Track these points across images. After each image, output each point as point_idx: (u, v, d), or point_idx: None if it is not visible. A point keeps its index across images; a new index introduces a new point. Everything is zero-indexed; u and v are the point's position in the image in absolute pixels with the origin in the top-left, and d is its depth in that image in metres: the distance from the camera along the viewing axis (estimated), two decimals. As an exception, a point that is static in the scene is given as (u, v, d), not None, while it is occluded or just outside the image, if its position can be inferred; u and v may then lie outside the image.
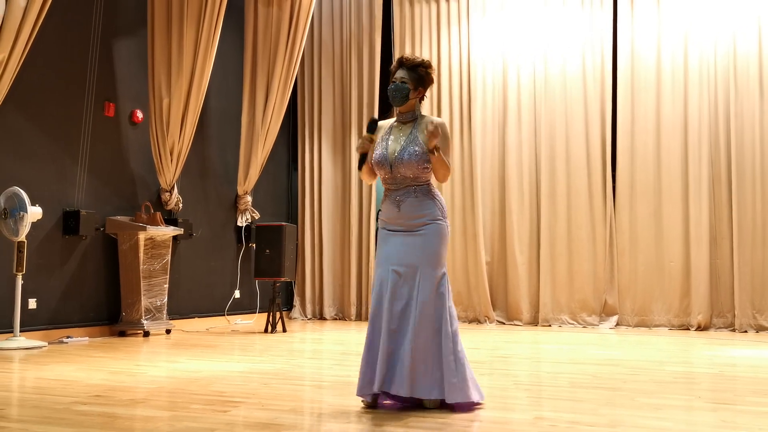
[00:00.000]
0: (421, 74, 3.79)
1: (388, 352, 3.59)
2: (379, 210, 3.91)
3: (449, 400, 3.55)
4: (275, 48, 9.01)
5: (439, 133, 3.62)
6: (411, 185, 3.74)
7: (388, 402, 3.70)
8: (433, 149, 3.64)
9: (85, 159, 7.29)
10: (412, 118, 3.82)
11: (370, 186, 9.39)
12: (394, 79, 3.80)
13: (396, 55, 9.51)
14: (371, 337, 3.68)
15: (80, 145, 7.26)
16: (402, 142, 3.76)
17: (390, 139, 3.81)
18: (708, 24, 8.32)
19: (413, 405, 3.63)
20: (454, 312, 3.73)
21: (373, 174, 3.90)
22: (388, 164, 3.75)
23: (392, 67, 3.87)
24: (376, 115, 3.96)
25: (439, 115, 9.33)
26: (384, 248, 3.76)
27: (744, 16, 8.19)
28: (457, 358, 3.61)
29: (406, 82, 3.77)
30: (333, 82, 9.97)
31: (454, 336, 3.64)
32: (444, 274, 3.71)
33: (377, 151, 3.80)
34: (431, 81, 3.84)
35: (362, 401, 3.69)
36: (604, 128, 8.67)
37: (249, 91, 9.05)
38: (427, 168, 3.74)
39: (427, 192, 3.76)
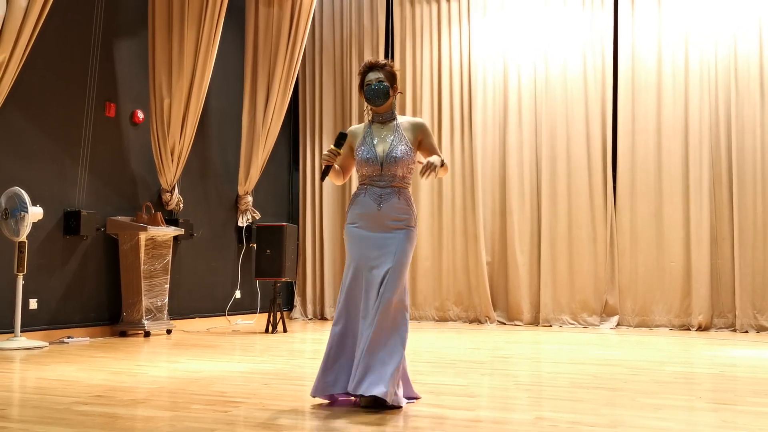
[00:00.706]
0: (390, 72, 3.90)
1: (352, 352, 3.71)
2: (349, 207, 3.92)
3: (367, 393, 3.57)
4: (276, 48, 9.02)
5: (435, 166, 3.68)
6: (397, 185, 3.82)
7: (342, 399, 3.80)
8: (442, 164, 3.73)
9: (86, 159, 7.30)
10: (390, 118, 3.92)
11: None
12: (369, 82, 3.87)
13: (396, 56, 9.51)
14: (342, 337, 3.76)
15: (81, 146, 7.26)
16: (391, 141, 3.83)
17: (374, 139, 3.87)
18: (708, 25, 8.32)
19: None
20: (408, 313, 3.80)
21: (341, 177, 3.97)
22: (379, 162, 3.81)
23: (360, 72, 3.94)
24: (352, 129, 3.99)
25: (439, 115, 9.34)
26: (353, 246, 3.80)
27: (744, 17, 8.19)
28: (401, 363, 3.66)
29: (383, 81, 3.86)
30: (334, 83, 9.97)
31: (403, 342, 3.70)
32: (406, 279, 3.77)
33: (362, 151, 3.85)
34: (397, 78, 3.94)
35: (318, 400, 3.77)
36: (604, 129, 8.67)
37: (250, 91, 9.05)
38: (413, 168, 3.88)
39: (408, 199, 3.85)
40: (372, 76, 3.87)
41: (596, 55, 8.74)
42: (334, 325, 3.83)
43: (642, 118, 8.55)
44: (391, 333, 3.65)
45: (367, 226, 3.80)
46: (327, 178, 3.90)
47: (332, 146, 3.81)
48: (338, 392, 3.73)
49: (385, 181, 3.81)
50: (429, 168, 3.68)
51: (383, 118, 3.91)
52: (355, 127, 4.02)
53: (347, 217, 3.89)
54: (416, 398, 3.82)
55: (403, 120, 3.93)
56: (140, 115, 7.87)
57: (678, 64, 8.44)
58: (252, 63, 9.07)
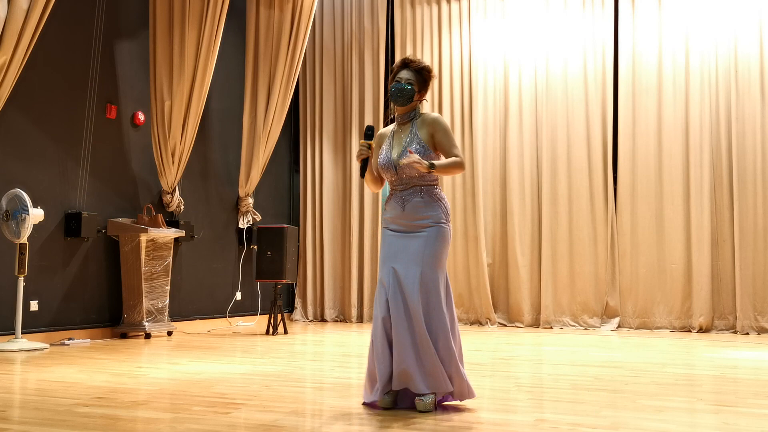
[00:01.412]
0: (425, 78, 3.82)
1: (398, 353, 3.59)
2: (383, 211, 3.91)
3: (454, 394, 3.64)
4: (277, 50, 9.03)
5: (415, 161, 3.60)
6: (418, 185, 3.75)
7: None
8: (428, 168, 3.62)
9: (87, 161, 7.30)
10: (410, 118, 3.84)
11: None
12: (398, 79, 3.79)
13: (398, 57, 9.51)
14: (375, 339, 3.68)
15: (82, 147, 7.27)
16: (403, 143, 3.78)
17: (392, 143, 3.83)
18: (709, 26, 8.32)
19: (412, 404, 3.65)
20: (455, 316, 3.74)
21: (378, 182, 3.93)
22: (393, 167, 3.77)
23: (395, 66, 3.87)
24: (382, 131, 3.94)
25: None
26: (385, 248, 3.77)
27: (745, 18, 8.19)
28: (459, 357, 3.68)
29: (412, 84, 3.78)
30: (334, 84, 9.98)
31: (455, 336, 3.69)
32: (445, 277, 3.73)
33: (381, 156, 3.83)
34: (429, 88, 3.87)
35: (378, 403, 3.68)
36: (605, 130, 8.67)
37: (250, 93, 9.06)
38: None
39: (433, 194, 3.76)
40: (404, 74, 3.79)
41: (597, 56, 8.74)
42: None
43: (642, 119, 8.55)
44: (440, 334, 3.60)
45: (395, 227, 3.76)
46: (366, 183, 3.91)
47: (362, 140, 3.78)
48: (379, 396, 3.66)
49: (404, 184, 3.76)
50: (411, 160, 3.59)
51: (404, 118, 3.85)
52: (385, 129, 3.95)
53: (382, 221, 3.89)
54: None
55: (421, 117, 3.82)
56: (141, 116, 7.88)
57: (678, 66, 8.44)
58: (253, 65, 9.08)
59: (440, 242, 3.70)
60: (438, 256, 3.68)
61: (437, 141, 3.77)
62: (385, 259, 3.73)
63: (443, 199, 3.80)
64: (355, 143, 9.67)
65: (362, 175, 3.83)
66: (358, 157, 3.79)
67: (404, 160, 3.65)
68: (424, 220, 3.71)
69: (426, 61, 9.38)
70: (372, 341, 3.72)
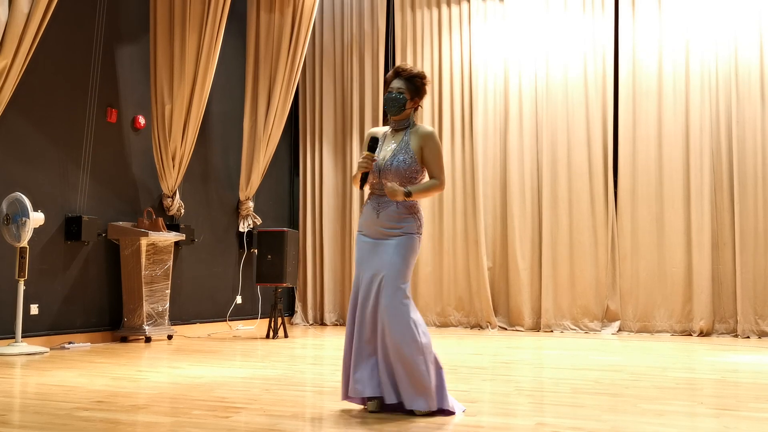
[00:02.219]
0: (417, 85, 3.82)
1: (356, 357, 3.68)
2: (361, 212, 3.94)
3: (408, 407, 3.60)
4: (277, 54, 9.04)
5: (395, 192, 3.65)
6: None
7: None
8: (405, 197, 3.67)
9: (88, 165, 7.31)
10: (405, 126, 3.87)
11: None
12: (390, 89, 3.83)
13: (398, 61, 9.51)
14: (347, 343, 3.77)
15: (83, 151, 7.27)
16: (392, 150, 3.80)
17: (382, 146, 3.86)
18: (709, 30, 8.32)
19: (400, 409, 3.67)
20: (422, 323, 3.69)
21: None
22: (377, 170, 3.78)
23: (388, 76, 3.90)
24: (376, 131, 3.93)
25: (440, 120, 9.34)
26: (357, 254, 3.82)
27: (745, 23, 8.19)
28: (428, 369, 3.60)
29: (403, 93, 3.81)
30: (334, 88, 9.99)
31: (425, 348, 3.62)
32: (408, 289, 3.70)
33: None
34: (425, 93, 3.88)
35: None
36: (605, 134, 8.67)
37: (251, 96, 9.07)
38: (416, 179, 3.79)
39: (410, 206, 3.77)
40: (396, 84, 3.81)
41: (597, 60, 8.74)
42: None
43: (643, 123, 8.55)
44: (400, 339, 3.61)
45: (368, 233, 3.79)
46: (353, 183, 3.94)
47: (366, 151, 3.77)
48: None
49: (383, 190, 3.77)
50: (389, 190, 3.65)
51: (398, 125, 3.87)
52: (378, 129, 3.97)
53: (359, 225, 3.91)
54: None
55: (415, 128, 3.85)
56: (142, 120, 7.88)
57: (678, 70, 8.44)
58: (253, 68, 9.09)
59: (409, 251, 3.72)
60: (406, 263, 3.69)
61: (425, 157, 3.79)
62: (358, 265, 3.79)
63: (419, 212, 3.82)
64: (356, 147, 9.67)
65: (361, 186, 3.84)
66: (360, 168, 3.78)
67: (385, 189, 3.68)
68: (395, 229, 3.73)
69: (426, 64, 9.46)
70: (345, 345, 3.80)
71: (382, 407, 3.68)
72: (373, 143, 3.79)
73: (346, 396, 3.76)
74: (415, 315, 3.66)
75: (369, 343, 3.67)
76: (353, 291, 3.79)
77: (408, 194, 3.67)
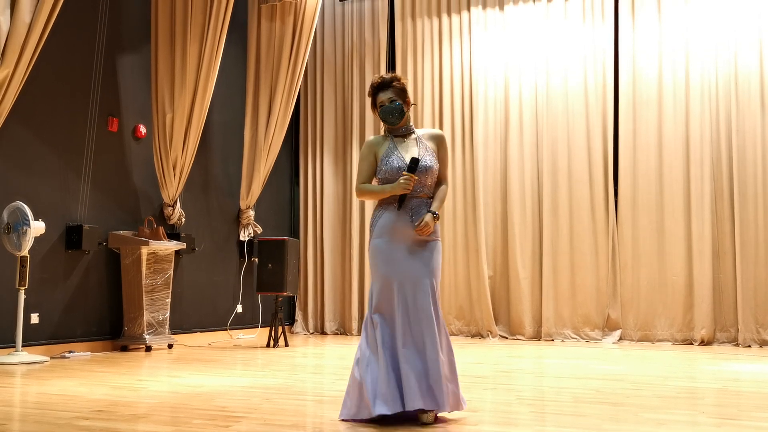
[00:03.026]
0: (399, 88, 3.87)
1: (409, 369, 3.59)
2: (375, 221, 3.85)
3: (450, 410, 3.65)
4: (278, 62, 9.06)
5: (430, 224, 3.73)
6: (425, 196, 3.81)
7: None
8: (435, 219, 3.77)
9: (89, 174, 7.32)
10: (408, 131, 3.92)
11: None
12: (382, 103, 3.85)
13: (398, 70, 9.52)
14: (376, 353, 3.66)
15: (83, 160, 7.28)
16: (418, 152, 3.83)
17: (401, 152, 3.85)
18: (709, 39, 8.34)
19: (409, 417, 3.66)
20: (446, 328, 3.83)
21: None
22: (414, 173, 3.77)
23: (369, 94, 3.92)
24: (375, 141, 3.94)
25: (441, 128, 9.35)
26: (386, 261, 3.73)
27: (745, 31, 8.20)
28: (454, 369, 3.75)
29: (395, 100, 3.84)
30: (335, 97, 10.01)
31: (450, 348, 3.78)
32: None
33: (394, 162, 3.79)
34: (408, 92, 3.94)
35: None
36: (605, 143, 8.68)
37: (252, 105, 9.09)
38: (436, 178, 3.89)
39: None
40: (383, 96, 3.84)
41: (597, 69, 8.76)
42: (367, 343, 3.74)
43: (643, 132, 8.56)
44: (445, 347, 3.70)
45: (396, 238, 3.75)
46: (365, 197, 3.96)
47: (407, 173, 3.74)
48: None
49: (415, 192, 3.79)
50: (424, 227, 3.70)
51: (401, 132, 3.90)
52: (375, 138, 3.96)
53: (373, 232, 3.81)
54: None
55: (423, 132, 3.94)
56: (143, 129, 7.90)
57: (679, 78, 8.46)
58: (254, 77, 9.11)
59: (440, 257, 3.83)
60: (439, 269, 3.82)
61: (440, 156, 3.90)
62: (392, 273, 3.69)
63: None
64: (356, 156, 9.68)
65: (399, 207, 3.78)
66: (401, 189, 3.73)
67: (423, 228, 3.71)
68: (431, 234, 3.78)
69: (426, 73, 9.49)
70: (362, 355, 3.69)
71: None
72: (413, 164, 3.76)
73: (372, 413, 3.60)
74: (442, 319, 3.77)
75: (407, 350, 3.62)
76: (384, 302, 3.69)
77: (436, 216, 3.77)
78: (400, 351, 3.63)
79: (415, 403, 3.55)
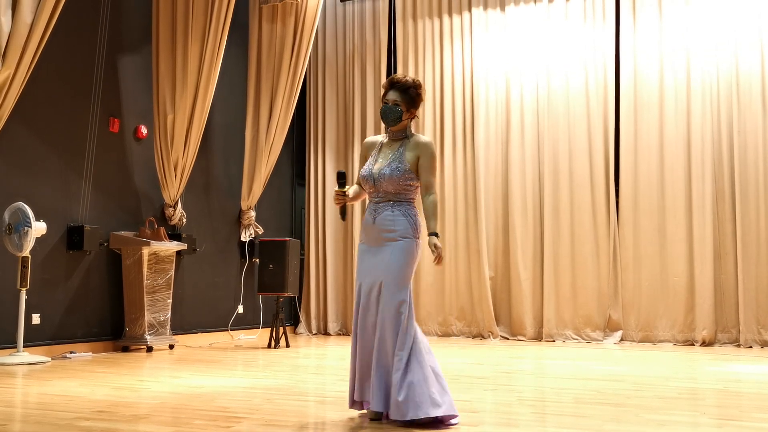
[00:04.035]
0: (412, 96, 3.85)
1: (360, 366, 3.74)
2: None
3: (391, 416, 3.62)
4: (279, 63, 9.06)
5: (441, 249, 3.73)
6: (392, 200, 3.81)
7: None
8: (436, 239, 3.76)
9: (90, 174, 7.32)
10: (401, 137, 3.90)
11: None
12: (386, 100, 3.86)
13: (399, 71, 9.53)
14: (352, 353, 3.84)
15: (85, 161, 7.28)
16: (388, 159, 3.84)
17: (378, 156, 3.90)
18: (710, 40, 8.33)
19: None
20: (415, 333, 3.68)
21: (358, 195, 4.01)
22: (372, 179, 3.83)
23: (383, 86, 3.94)
24: (373, 140, 4.00)
25: (442, 130, 9.36)
26: (358, 263, 3.87)
27: (746, 32, 8.20)
28: (406, 378, 3.58)
29: (398, 105, 3.84)
30: (336, 97, 10.01)
31: (413, 355, 3.62)
32: (407, 295, 3.70)
33: (364, 168, 3.90)
34: (421, 101, 3.91)
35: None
36: (607, 144, 8.68)
37: (253, 106, 9.09)
38: (410, 186, 3.81)
39: (405, 209, 3.80)
40: (392, 96, 3.84)
41: (598, 70, 8.76)
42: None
43: (644, 133, 8.55)
44: (399, 350, 3.62)
45: (367, 240, 3.84)
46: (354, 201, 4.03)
47: (336, 188, 3.86)
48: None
49: (380, 197, 3.84)
50: (437, 256, 3.70)
51: (394, 136, 3.91)
52: (373, 138, 4.02)
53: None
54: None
55: (413, 139, 3.88)
56: (144, 130, 7.90)
57: (680, 79, 8.45)
58: (255, 78, 9.11)
59: (407, 255, 3.73)
60: (402, 271, 3.70)
61: (420, 164, 3.82)
62: (357, 274, 3.84)
63: (414, 215, 3.82)
64: (357, 156, 9.67)
65: (343, 218, 3.98)
66: (336, 203, 3.90)
67: (436, 257, 3.71)
68: (390, 233, 3.75)
69: (427, 74, 9.48)
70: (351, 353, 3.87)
71: (380, 416, 3.68)
72: (341, 179, 3.88)
73: (353, 404, 3.81)
74: (410, 325, 3.66)
75: (371, 353, 3.70)
76: (355, 301, 3.81)
77: (436, 235, 3.76)
78: (361, 350, 3.74)
79: (372, 404, 3.65)
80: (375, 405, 3.64)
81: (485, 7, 9.29)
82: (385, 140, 3.94)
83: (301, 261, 9.42)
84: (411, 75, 4.10)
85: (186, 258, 8.29)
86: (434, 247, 3.71)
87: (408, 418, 3.53)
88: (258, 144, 9.04)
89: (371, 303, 3.70)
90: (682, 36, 8.46)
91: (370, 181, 3.84)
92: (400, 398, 3.55)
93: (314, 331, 9.74)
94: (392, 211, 3.78)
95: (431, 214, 3.80)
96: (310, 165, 10.02)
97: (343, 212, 3.94)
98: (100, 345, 7.27)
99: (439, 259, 3.71)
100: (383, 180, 3.79)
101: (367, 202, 3.95)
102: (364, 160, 3.96)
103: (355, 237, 9.58)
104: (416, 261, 3.79)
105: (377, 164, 3.85)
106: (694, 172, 8.30)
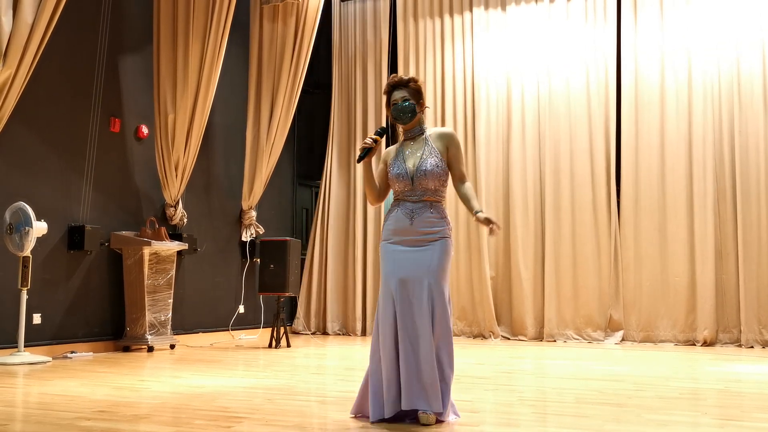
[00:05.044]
0: (414, 89, 3.89)
1: (405, 368, 3.59)
2: (384, 224, 3.92)
3: (441, 416, 3.60)
4: (280, 63, 9.06)
5: (492, 219, 3.76)
6: (429, 200, 3.80)
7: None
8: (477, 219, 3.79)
9: (91, 174, 7.32)
10: (419, 132, 3.91)
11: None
12: (395, 101, 3.87)
13: (400, 71, 9.53)
14: (385, 354, 3.66)
15: (86, 161, 7.29)
16: (421, 155, 3.83)
17: (405, 155, 3.87)
18: (711, 40, 8.33)
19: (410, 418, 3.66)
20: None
21: (380, 195, 3.97)
22: (409, 178, 3.80)
23: (385, 91, 3.96)
24: (388, 151, 4.00)
25: (443, 130, 9.34)
26: (390, 262, 3.76)
27: (747, 33, 8.19)
28: (447, 375, 3.65)
29: (408, 99, 3.85)
30: (338, 97, 10.00)
31: (451, 354, 3.71)
32: (449, 292, 3.76)
33: (394, 169, 3.85)
34: (424, 92, 3.96)
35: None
36: (608, 144, 8.68)
37: (254, 106, 9.09)
38: (445, 180, 3.84)
39: (441, 211, 3.83)
40: (397, 95, 3.87)
41: (599, 69, 8.76)
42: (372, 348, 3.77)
43: (645, 133, 8.55)
44: (443, 348, 3.64)
45: (400, 241, 3.78)
46: (367, 195, 3.98)
47: (373, 135, 3.85)
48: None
49: (417, 196, 3.80)
50: (492, 224, 3.73)
51: (412, 133, 3.91)
52: (390, 148, 4.02)
53: (382, 234, 3.91)
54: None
55: (432, 132, 3.91)
56: (145, 130, 7.90)
57: (681, 79, 8.45)
58: (256, 78, 9.11)
59: (446, 255, 3.76)
60: (444, 269, 3.74)
61: (451, 155, 3.87)
62: (392, 273, 3.71)
63: (446, 215, 3.88)
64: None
65: (359, 160, 3.88)
66: (363, 144, 3.84)
67: (491, 226, 3.73)
68: (432, 234, 3.76)
69: (429, 73, 9.48)
70: (374, 356, 3.71)
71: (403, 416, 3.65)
72: (381, 130, 3.89)
73: (379, 415, 3.64)
74: (450, 315, 3.73)
75: (407, 352, 3.61)
76: (385, 302, 3.69)
77: (480, 211, 3.80)
78: (399, 351, 3.62)
79: (409, 402, 3.56)
80: (433, 406, 3.55)
81: (486, 7, 9.29)
82: (404, 142, 3.93)
83: (302, 261, 9.41)
84: (412, 74, 4.12)
85: (187, 258, 8.29)
86: (487, 221, 3.73)
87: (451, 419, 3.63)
88: (259, 144, 9.04)
89: (413, 301, 3.62)
90: (683, 36, 8.46)
91: (406, 180, 3.79)
92: (447, 397, 3.61)
93: (313, 331, 9.71)
94: (432, 213, 3.78)
95: (472, 197, 3.85)
96: (327, 164, 9.90)
97: (363, 156, 3.84)
98: (101, 345, 7.27)
99: (496, 226, 3.73)
100: (425, 176, 3.77)
101: (394, 201, 3.87)
102: (383, 166, 3.92)
103: (358, 237, 9.58)
104: (451, 260, 3.84)
105: (409, 162, 3.83)
106: (695, 172, 8.29)
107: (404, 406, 3.57)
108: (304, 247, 9.86)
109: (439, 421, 3.60)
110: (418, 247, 3.74)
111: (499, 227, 3.76)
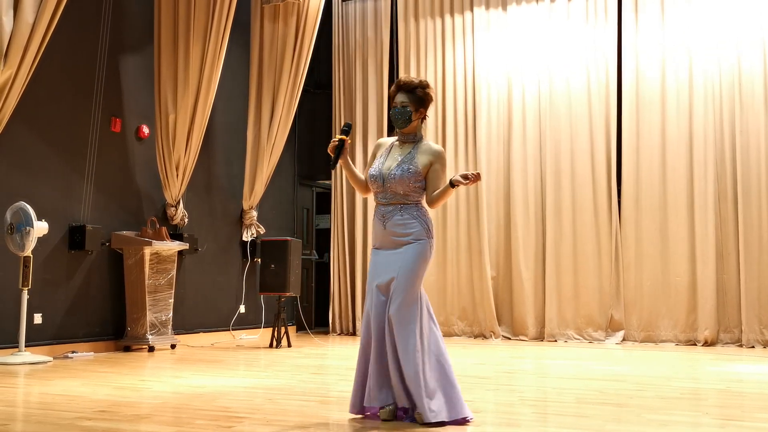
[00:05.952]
0: (420, 96, 3.84)
1: (376, 367, 3.68)
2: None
3: (426, 419, 3.58)
4: (281, 63, 9.06)
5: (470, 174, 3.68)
6: (400, 203, 3.80)
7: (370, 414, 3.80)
8: (455, 185, 3.70)
9: (92, 174, 7.32)
10: (413, 140, 3.90)
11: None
12: (395, 104, 3.86)
13: (401, 71, 9.53)
14: (360, 354, 3.78)
15: (86, 161, 7.29)
16: (398, 160, 3.83)
17: (388, 156, 3.88)
18: (712, 40, 8.32)
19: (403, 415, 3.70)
20: (432, 331, 3.75)
21: (368, 187, 3.97)
22: (381, 179, 3.81)
23: (390, 91, 3.94)
24: (383, 142, 4.00)
25: (444, 130, 9.35)
26: (370, 267, 3.86)
27: (748, 32, 8.19)
28: (428, 378, 3.63)
29: (407, 106, 3.84)
30: (339, 97, 10.00)
31: (439, 357, 3.69)
32: (419, 292, 3.75)
33: (373, 167, 3.89)
34: (431, 100, 3.90)
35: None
36: (609, 144, 8.67)
37: (255, 105, 9.09)
38: (418, 188, 3.80)
39: (415, 212, 3.79)
40: (399, 98, 3.85)
41: (600, 69, 8.75)
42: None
43: (646, 133, 8.54)
44: (404, 345, 3.62)
45: (380, 245, 3.83)
46: (355, 188, 4.01)
47: (338, 135, 3.87)
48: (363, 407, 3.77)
49: (387, 199, 3.81)
50: (468, 175, 3.64)
51: (405, 138, 3.90)
52: (385, 139, 4.02)
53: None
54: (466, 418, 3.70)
55: (424, 144, 3.87)
56: (146, 130, 7.90)
57: (682, 79, 8.44)
58: (257, 78, 9.11)
59: (419, 257, 3.74)
60: (414, 270, 3.72)
61: (434, 168, 3.80)
62: (371, 281, 3.80)
63: (425, 215, 3.83)
64: (359, 157, 9.69)
65: (332, 168, 3.89)
66: (328, 151, 3.86)
67: (467, 181, 3.65)
68: (405, 236, 3.76)
69: (429, 73, 9.46)
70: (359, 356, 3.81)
71: (395, 416, 3.67)
72: (347, 128, 3.92)
73: (361, 408, 3.76)
74: (424, 324, 3.70)
75: (385, 352, 3.66)
76: (366, 303, 3.79)
77: (451, 178, 3.72)
78: (375, 352, 3.68)
79: (370, 399, 3.65)
80: (400, 401, 3.61)
81: (487, 7, 9.29)
82: (396, 142, 3.93)
83: (303, 261, 9.40)
84: (412, 75, 4.11)
85: (188, 258, 8.29)
86: (464, 177, 3.65)
87: (449, 417, 3.60)
88: (260, 143, 9.04)
89: (383, 303, 3.68)
90: (683, 35, 8.45)
91: (378, 181, 3.81)
92: (434, 402, 3.58)
93: (339, 331, 9.65)
94: (401, 215, 3.77)
95: (439, 189, 3.79)
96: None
97: (335, 161, 3.85)
98: (102, 345, 7.27)
99: (472, 174, 3.64)
100: (393, 180, 3.77)
101: (375, 205, 3.91)
102: (373, 158, 3.95)
103: (358, 237, 9.58)
104: (429, 261, 3.81)
105: (386, 164, 3.84)
106: (696, 172, 8.29)
107: (366, 402, 3.70)
108: (305, 246, 9.86)
109: (439, 422, 3.59)
110: (393, 250, 3.76)
111: (476, 174, 3.64)
